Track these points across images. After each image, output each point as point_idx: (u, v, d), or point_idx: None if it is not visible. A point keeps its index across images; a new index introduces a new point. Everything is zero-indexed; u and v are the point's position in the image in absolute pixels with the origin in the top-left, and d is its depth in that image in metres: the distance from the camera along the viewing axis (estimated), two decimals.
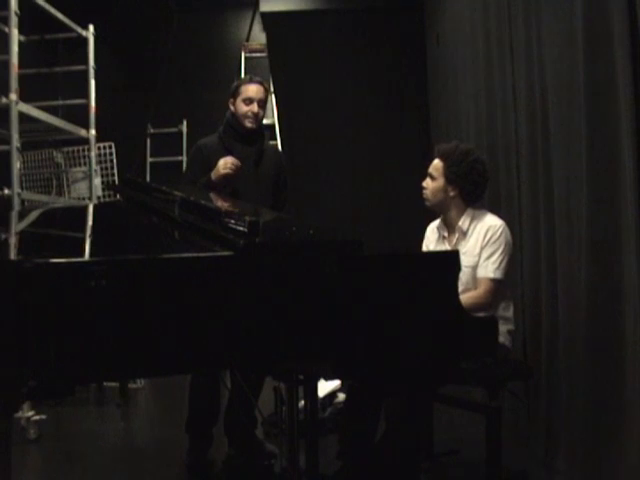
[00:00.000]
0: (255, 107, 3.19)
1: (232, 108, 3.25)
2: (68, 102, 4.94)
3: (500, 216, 2.89)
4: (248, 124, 3.21)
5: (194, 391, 3.17)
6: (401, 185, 5.47)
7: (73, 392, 1.57)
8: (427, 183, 2.85)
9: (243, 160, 3.15)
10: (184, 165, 5.93)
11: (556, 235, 2.90)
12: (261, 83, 3.27)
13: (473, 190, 2.78)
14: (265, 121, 6.24)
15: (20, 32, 3.85)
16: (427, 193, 2.85)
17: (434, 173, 2.82)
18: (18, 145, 3.71)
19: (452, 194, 2.79)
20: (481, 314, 2.44)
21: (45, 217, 3.17)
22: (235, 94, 3.23)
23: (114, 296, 1.57)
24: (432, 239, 2.97)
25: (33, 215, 3.31)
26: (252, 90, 3.21)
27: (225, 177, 3.08)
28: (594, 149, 2.51)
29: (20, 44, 3.84)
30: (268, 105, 6.19)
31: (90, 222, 2.95)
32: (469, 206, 2.82)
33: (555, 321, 2.91)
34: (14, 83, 3.65)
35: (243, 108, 3.20)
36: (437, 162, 2.82)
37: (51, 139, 4.98)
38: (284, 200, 3.38)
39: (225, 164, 3.08)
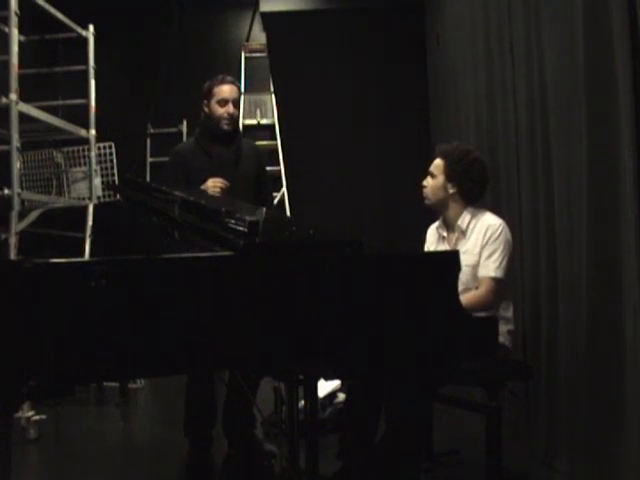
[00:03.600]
0: (230, 108, 3.14)
1: (206, 110, 3.19)
2: (68, 102, 4.93)
3: (501, 216, 2.90)
4: (225, 126, 3.15)
5: (190, 393, 3.15)
6: (401, 185, 5.45)
7: (73, 392, 1.57)
8: (427, 181, 2.87)
9: (222, 161, 3.14)
10: None
11: (556, 235, 2.90)
12: (233, 82, 3.22)
13: (471, 188, 2.79)
14: (265, 121, 6.35)
15: (20, 32, 3.85)
16: (427, 191, 2.86)
17: (434, 171, 2.84)
18: (18, 145, 3.70)
19: (451, 191, 2.80)
20: (482, 314, 2.44)
21: (45, 217, 3.17)
22: (208, 96, 3.17)
23: (114, 296, 1.57)
24: (432, 240, 2.98)
25: (33, 215, 3.31)
26: (226, 91, 3.15)
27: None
28: (594, 149, 2.51)
29: (20, 44, 3.84)
30: (268, 105, 6.31)
31: (90, 222, 2.94)
32: (468, 205, 2.82)
33: (555, 321, 2.91)
34: (14, 83, 3.65)
35: (218, 110, 3.14)
36: (438, 161, 2.84)
37: (51, 139, 4.98)
38: (266, 199, 3.36)
39: (214, 185, 3.05)
